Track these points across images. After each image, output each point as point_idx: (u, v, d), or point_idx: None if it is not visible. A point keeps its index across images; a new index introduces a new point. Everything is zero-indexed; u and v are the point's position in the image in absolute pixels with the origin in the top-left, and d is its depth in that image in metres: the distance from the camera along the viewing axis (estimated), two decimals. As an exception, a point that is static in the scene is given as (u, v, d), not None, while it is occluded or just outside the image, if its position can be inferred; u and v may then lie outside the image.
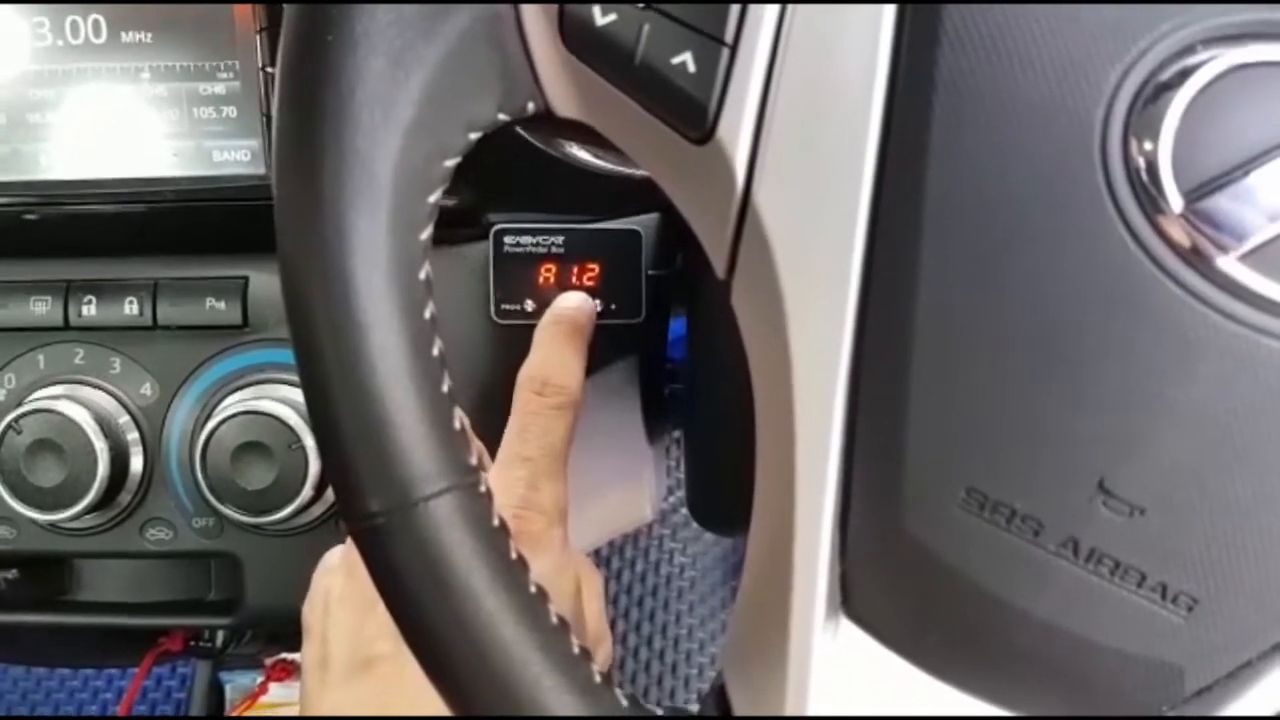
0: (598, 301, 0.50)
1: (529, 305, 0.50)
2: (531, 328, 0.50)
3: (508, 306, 0.50)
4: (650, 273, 0.51)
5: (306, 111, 0.25)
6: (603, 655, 0.44)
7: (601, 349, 0.57)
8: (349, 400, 0.25)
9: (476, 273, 0.51)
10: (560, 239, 0.50)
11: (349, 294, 0.25)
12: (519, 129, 0.51)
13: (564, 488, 0.43)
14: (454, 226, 0.50)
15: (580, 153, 0.50)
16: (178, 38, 0.47)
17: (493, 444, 0.49)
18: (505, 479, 0.42)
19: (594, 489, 0.64)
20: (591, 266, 0.50)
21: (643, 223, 0.51)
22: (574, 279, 0.50)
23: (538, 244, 0.50)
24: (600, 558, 1.11)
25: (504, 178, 0.51)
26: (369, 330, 0.25)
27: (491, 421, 0.49)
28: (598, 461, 0.64)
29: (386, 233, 0.25)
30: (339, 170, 0.25)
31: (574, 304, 0.46)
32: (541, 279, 0.50)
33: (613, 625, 1.07)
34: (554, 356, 0.44)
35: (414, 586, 0.25)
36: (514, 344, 0.51)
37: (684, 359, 0.62)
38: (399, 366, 0.25)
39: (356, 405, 0.25)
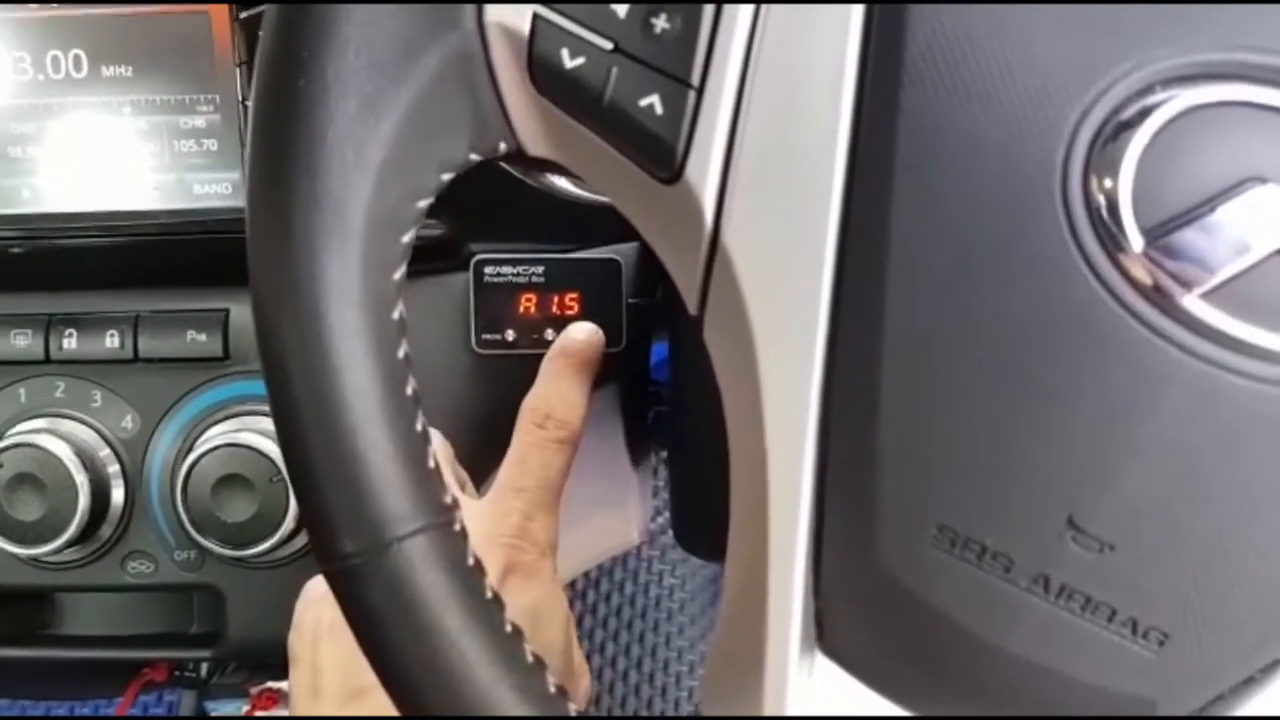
0: None
1: (509, 335, 0.50)
2: (512, 357, 0.50)
3: (488, 336, 0.50)
4: (631, 301, 0.51)
5: (278, 154, 0.25)
6: (584, 689, 0.44)
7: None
8: (322, 441, 0.25)
9: (457, 303, 0.51)
10: (540, 269, 0.50)
11: (321, 335, 0.25)
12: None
13: (556, 521, 0.43)
14: (435, 257, 0.51)
15: (560, 182, 0.51)
16: (158, 71, 0.48)
17: (473, 472, 0.49)
18: (500, 508, 0.42)
19: (578, 514, 0.64)
20: (572, 296, 0.50)
21: (623, 252, 0.51)
22: (555, 308, 0.50)
23: (518, 274, 0.50)
24: (589, 580, 1.11)
25: (484, 208, 0.51)
26: (341, 371, 0.25)
27: (472, 450, 0.49)
28: (581, 487, 0.63)
29: (359, 274, 0.25)
30: (311, 212, 0.25)
31: (583, 336, 0.46)
32: (522, 308, 0.50)
33: (601, 648, 1.07)
34: (558, 390, 0.44)
35: (388, 628, 0.25)
36: (495, 374, 0.51)
37: (667, 383, 0.62)
38: (372, 407, 0.25)
39: (329, 446, 0.25)
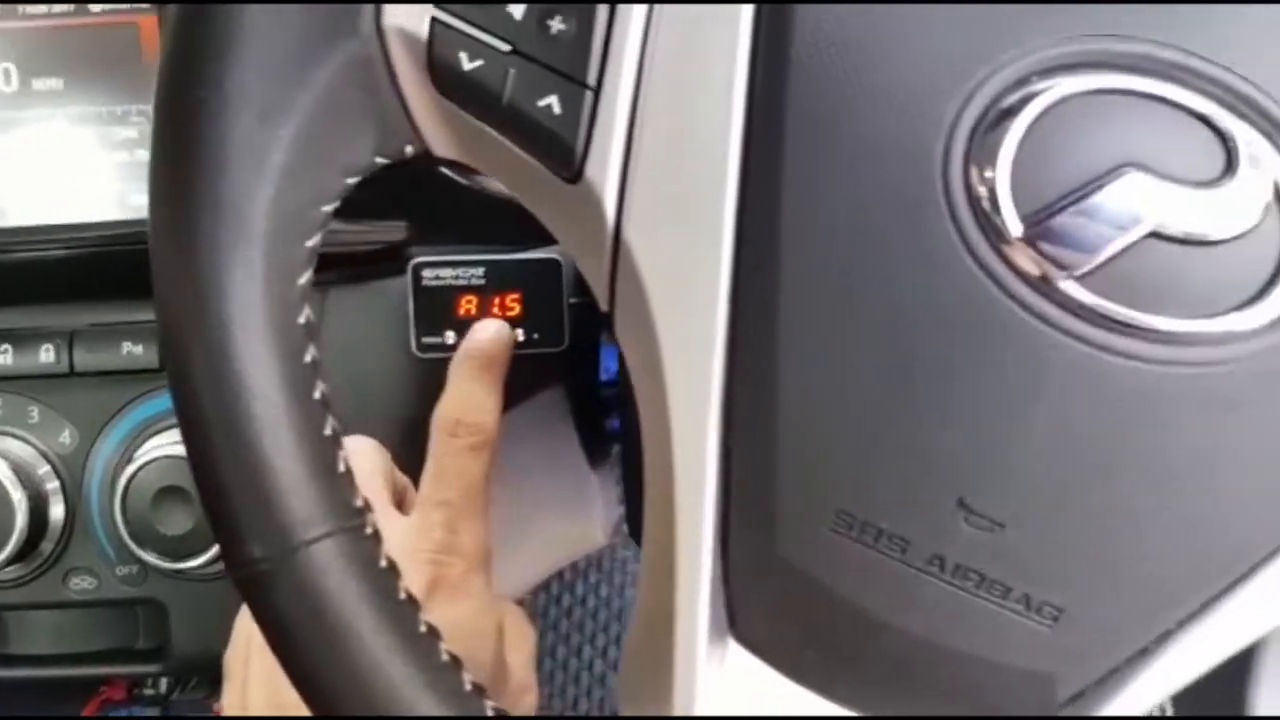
0: (520, 331, 0.50)
1: (450, 338, 0.50)
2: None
3: (428, 340, 0.50)
4: (573, 301, 0.51)
5: (179, 162, 0.25)
6: (528, 703, 0.43)
7: (527, 378, 0.57)
8: (227, 448, 0.25)
9: (397, 307, 0.51)
10: (480, 270, 0.50)
11: (225, 343, 0.25)
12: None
13: (485, 528, 0.42)
14: (374, 261, 0.51)
15: (497, 183, 0.51)
16: (88, 83, 0.48)
17: (415, 477, 0.49)
18: (422, 523, 0.41)
19: (536, 519, 0.64)
20: (513, 297, 0.50)
21: (564, 251, 0.51)
22: (495, 310, 0.50)
23: (457, 276, 0.50)
24: (564, 583, 1.10)
25: (424, 212, 0.51)
26: (246, 378, 0.25)
27: (416, 456, 0.49)
28: (536, 491, 0.64)
29: (262, 280, 0.25)
30: (213, 220, 0.25)
31: (488, 335, 0.45)
32: (462, 311, 0.50)
33: (578, 651, 1.07)
34: (465, 394, 0.43)
35: (298, 630, 0.25)
36: (437, 377, 0.51)
37: (618, 380, 0.62)
38: (278, 413, 0.25)
39: (235, 452, 0.25)
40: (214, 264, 0.25)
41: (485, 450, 0.42)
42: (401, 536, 0.41)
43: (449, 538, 0.40)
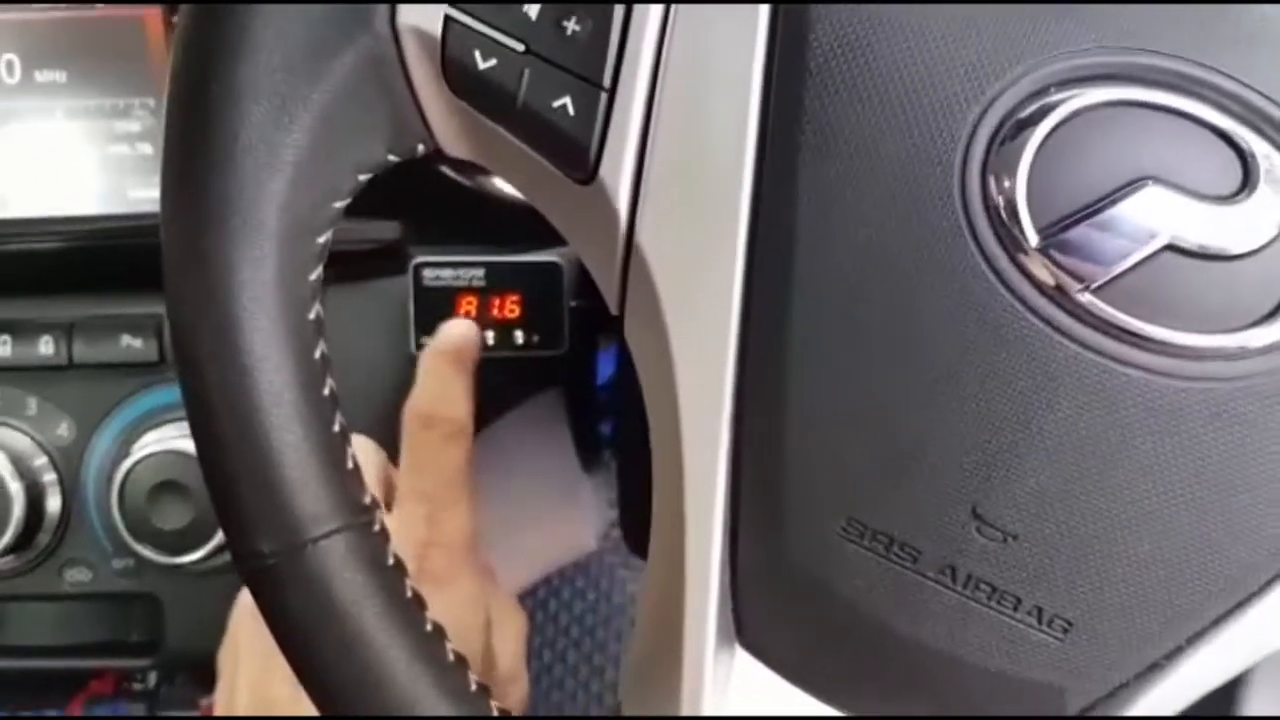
0: (519, 334, 0.50)
1: None
2: (453, 361, 0.50)
3: (428, 340, 0.50)
4: (573, 304, 0.51)
5: (191, 157, 0.25)
6: (516, 695, 0.43)
7: (526, 381, 0.57)
8: (237, 443, 0.25)
9: (397, 306, 0.51)
10: (481, 272, 0.50)
11: (235, 338, 0.25)
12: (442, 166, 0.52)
13: (468, 517, 0.42)
14: (375, 260, 0.51)
15: (502, 185, 0.51)
16: (92, 76, 0.47)
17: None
18: (404, 517, 0.41)
19: (528, 521, 0.64)
20: (513, 299, 0.50)
21: (565, 254, 0.51)
22: (495, 311, 0.50)
23: (458, 277, 0.50)
24: (551, 588, 1.10)
25: (426, 212, 0.51)
26: (256, 374, 0.25)
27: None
28: (530, 494, 0.63)
29: (273, 276, 0.25)
30: (224, 216, 0.25)
31: (458, 333, 0.45)
32: (462, 312, 0.50)
33: (563, 656, 1.06)
34: (436, 389, 0.43)
35: (305, 627, 0.25)
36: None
37: (614, 385, 0.62)
38: (288, 408, 0.25)
39: (245, 448, 0.25)
40: (226, 259, 0.25)
41: (461, 439, 0.42)
42: None
43: (430, 530, 0.40)
